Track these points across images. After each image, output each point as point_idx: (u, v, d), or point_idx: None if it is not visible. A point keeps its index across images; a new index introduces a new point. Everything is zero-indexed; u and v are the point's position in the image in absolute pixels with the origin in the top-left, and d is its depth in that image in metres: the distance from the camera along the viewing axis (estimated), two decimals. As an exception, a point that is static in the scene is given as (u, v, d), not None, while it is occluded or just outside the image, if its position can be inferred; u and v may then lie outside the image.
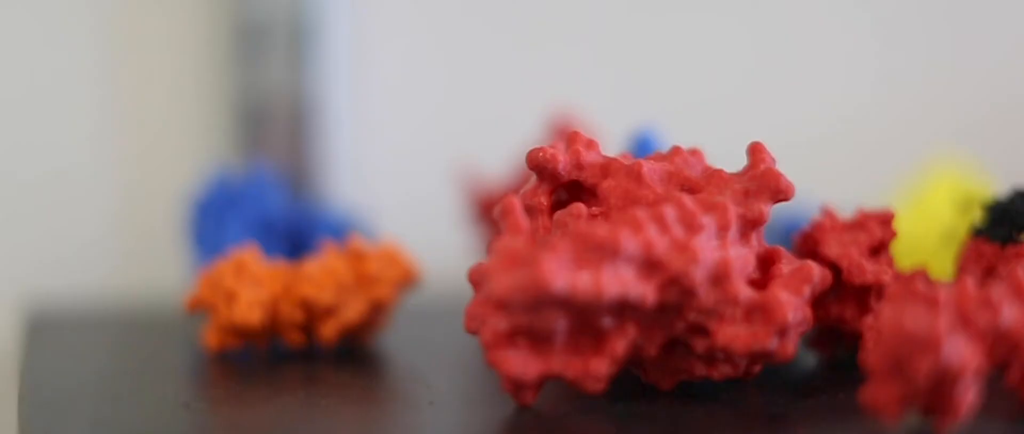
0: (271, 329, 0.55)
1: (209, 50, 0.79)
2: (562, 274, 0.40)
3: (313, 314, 0.55)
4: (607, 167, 0.46)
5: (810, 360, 0.53)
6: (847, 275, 0.49)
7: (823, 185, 0.65)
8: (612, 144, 0.62)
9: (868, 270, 0.49)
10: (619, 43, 0.88)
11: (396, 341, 0.59)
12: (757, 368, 0.46)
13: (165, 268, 0.78)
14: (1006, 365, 0.41)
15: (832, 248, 0.50)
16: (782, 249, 0.47)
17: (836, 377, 0.50)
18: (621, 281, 0.41)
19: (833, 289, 0.50)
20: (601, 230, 0.41)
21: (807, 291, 0.44)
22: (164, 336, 0.63)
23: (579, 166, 0.47)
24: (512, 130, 0.72)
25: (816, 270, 0.45)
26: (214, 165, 0.75)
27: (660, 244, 0.42)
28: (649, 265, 0.42)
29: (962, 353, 0.38)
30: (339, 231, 0.66)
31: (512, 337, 0.43)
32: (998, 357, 0.41)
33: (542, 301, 0.41)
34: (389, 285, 0.56)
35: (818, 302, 0.50)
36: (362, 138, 0.82)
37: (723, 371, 0.45)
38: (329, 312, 0.55)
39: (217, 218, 0.65)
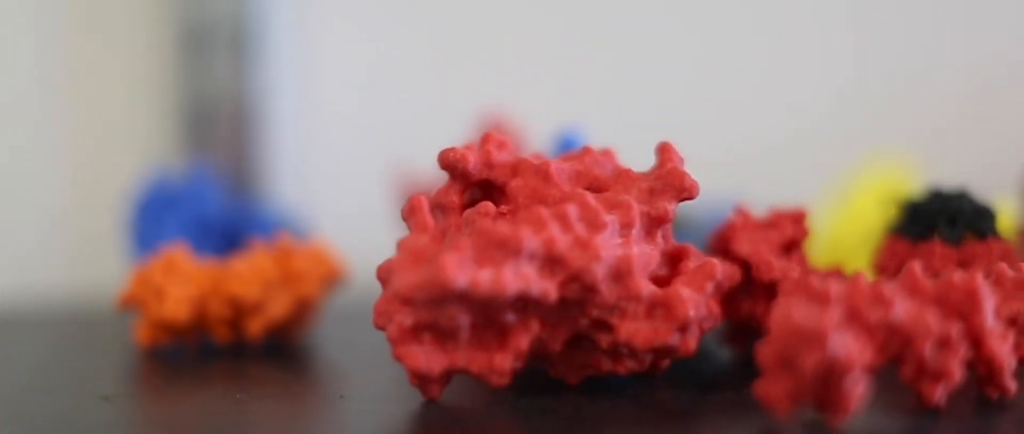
0: (200, 325, 0.55)
1: (154, 52, 0.79)
2: (463, 271, 0.40)
3: (240, 311, 0.55)
4: (517, 166, 0.46)
5: (722, 356, 0.53)
6: (756, 272, 0.49)
7: (768, 185, 0.65)
8: (541, 144, 0.62)
9: (777, 267, 0.49)
10: (558, 48, 0.88)
11: (324, 338, 0.59)
12: (665, 363, 0.46)
13: (108, 266, 0.78)
14: (900, 360, 0.41)
15: (743, 246, 0.50)
16: (691, 247, 0.47)
17: (745, 373, 0.50)
18: (523, 278, 0.41)
19: (744, 286, 0.50)
20: (503, 228, 0.41)
21: (710, 287, 0.44)
22: (100, 333, 0.63)
23: (490, 165, 0.46)
24: (451, 131, 0.72)
25: (718, 267, 0.45)
26: (157, 165, 0.74)
27: (562, 241, 0.42)
28: (551, 262, 0.42)
29: (848, 348, 0.38)
30: (275, 230, 0.66)
31: (417, 333, 0.42)
32: (891, 352, 0.41)
33: (444, 297, 0.41)
34: (315, 283, 0.56)
35: (729, 299, 0.50)
36: (304, 139, 0.82)
37: (628, 366, 0.45)
38: (256, 308, 0.55)
39: (155, 217, 0.65)
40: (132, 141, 0.80)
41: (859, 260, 0.60)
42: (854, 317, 0.40)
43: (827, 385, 0.38)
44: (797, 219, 0.51)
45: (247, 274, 0.55)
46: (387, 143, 0.81)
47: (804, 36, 0.94)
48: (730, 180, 0.78)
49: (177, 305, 0.54)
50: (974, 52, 0.95)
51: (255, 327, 0.55)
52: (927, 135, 0.92)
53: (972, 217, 0.52)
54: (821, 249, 0.70)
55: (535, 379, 0.47)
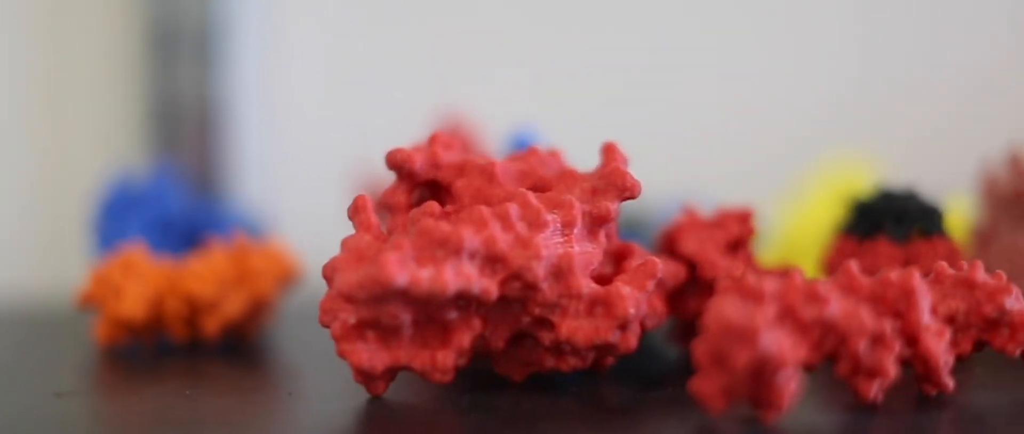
0: (157, 324, 0.55)
1: (120, 54, 0.79)
2: (404, 269, 0.40)
3: (196, 309, 0.55)
4: (463, 167, 0.46)
5: (669, 354, 0.53)
6: (701, 271, 0.49)
7: (728, 184, 0.65)
8: (498, 144, 0.62)
9: (721, 266, 0.49)
10: (518, 49, 0.88)
11: (280, 336, 0.59)
12: (609, 361, 0.46)
13: (73, 265, 0.78)
14: (836, 357, 0.41)
15: (689, 245, 0.50)
16: (635, 245, 0.47)
17: (690, 371, 0.49)
18: (463, 276, 0.41)
19: (690, 285, 0.50)
20: (444, 227, 0.41)
21: (650, 285, 0.44)
22: (61, 331, 0.63)
23: (436, 165, 0.46)
24: (412, 131, 0.72)
25: (659, 265, 0.44)
26: (123, 165, 0.74)
27: (503, 240, 0.42)
28: (491, 260, 0.42)
29: (780, 345, 0.38)
30: (246, 229, 0.66)
31: (361, 330, 0.42)
32: (827, 349, 0.41)
33: (385, 295, 0.41)
34: (270, 282, 0.56)
35: (676, 297, 0.50)
36: (269, 139, 0.82)
37: (571, 363, 0.45)
38: (212, 307, 0.55)
39: (119, 217, 0.65)
40: (98, 141, 0.80)
41: (813, 259, 0.60)
42: (788, 315, 0.40)
43: (760, 382, 0.38)
44: (743, 218, 0.51)
45: (203, 273, 0.55)
46: (349, 143, 0.81)
47: (763, 38, 0.94)
48: (690, 179, 0.78)
49: (134, 304, 0.54)
50: (934, 53, 0.96)
51: (211, 325, 0.55)
52: (887, 134, 0.92)
53: (918, 216, 0.52)
54: (776, 248, 0.70)
55: (480, 376, 0.47)
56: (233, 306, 0.54)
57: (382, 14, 0.85)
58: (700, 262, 0.49)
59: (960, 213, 0.70)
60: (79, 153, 0.80)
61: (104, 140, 0.80)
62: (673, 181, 0.77)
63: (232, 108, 0.77)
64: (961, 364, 0.47)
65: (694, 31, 0.92)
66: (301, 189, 0.82)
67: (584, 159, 0.48)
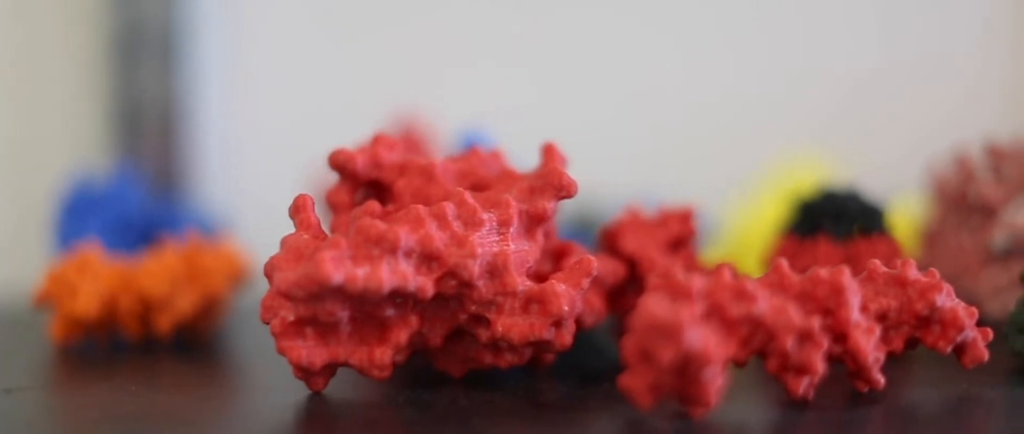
0: (111, 321, 0.55)
1: (85, 56, 0.79)
2: (340, 267, 0.40)
3: (149, 307, 0.55)
4: (404, 167, 0.46)
5: (613, 351, 0.53)
6: (641, 268, 0.49)
7: (685, 183, 0.65)
8: (452, 143, 0.62)
9: (660, 264, 0.49)
10: (474, 51, 0.89)
11: (233, 334, 0.59)
12: (549, 357, 0.46)
13: (36, 264, 0.78)
14: (765, 354, 0.41)
15: (629, 243, 0.50)
16: (575, 244, 0.47)
17: (629, 367, 0.50)
18: (399, 274, 0.41)
19: (631, 282, 0.50)
20: (380, 226, 0.41)
21: (586, 283, 0.44)
22: (18, 329, 0.63)
23: (378, 166, 0.47)
24: (370, 131, 0.72)
25: (594, 263, 0.45)
26: (86, 166, 0.74)
27: (439, 239, 0.42)
28: (427, 259, 0.42)
29: (705, 341, 0.38)
30: (200, 228, 0.66)
31: (300, 327, 0.43)
32: (755, 346, 0.41)
33: (322, 293, 0.41)
34: (222, 279, 0.56)
35: (617, 295, 0.50)
36: (229, 140, 0.82)
37: (509, 359, 0.45)
38: (164, 305, 0.55)
39: (79, 217, 0.65)
40: (62, 142, 0.80)
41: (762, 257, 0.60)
42: (716, 312, 0.40)
43: (686, 378, 0.38)
44: (684, 218, 0.51)
45: (156, 272, 0.55)
46: (307, 144, 0.81)
47: (719, 40, 0.94)
48: (648, 178, 0.78)
49: (88, 302, 0.54)
50: (888, 54, 0.96)
51: (164, 323, 0.55)
52: (844, 134, 0.92)
53: (859, 215, 0.52)
54: (727, 246, 0.71)
55: (421, 373, 0.47)
56: (185, 304, 0.55)
57: (340, 18, 0.86)
58: (640, 260, 0.49)
59: (911, 212, 0.70)
60: (43, 154, 0.80)
61: (68, 141, 0.80)
62: (632, 180, 0.77)
63: (194, 110, 0.77)
64: (898, 361, 0.47)
65: (650, 33, 0.92)
66: (261, 188, 0.82)
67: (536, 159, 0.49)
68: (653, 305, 0.38)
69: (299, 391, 0.45)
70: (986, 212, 0.58)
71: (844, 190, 0.54)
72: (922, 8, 0.95)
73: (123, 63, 0.76)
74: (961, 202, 0.60)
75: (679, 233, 0.50)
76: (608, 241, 0.51)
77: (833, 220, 0.52)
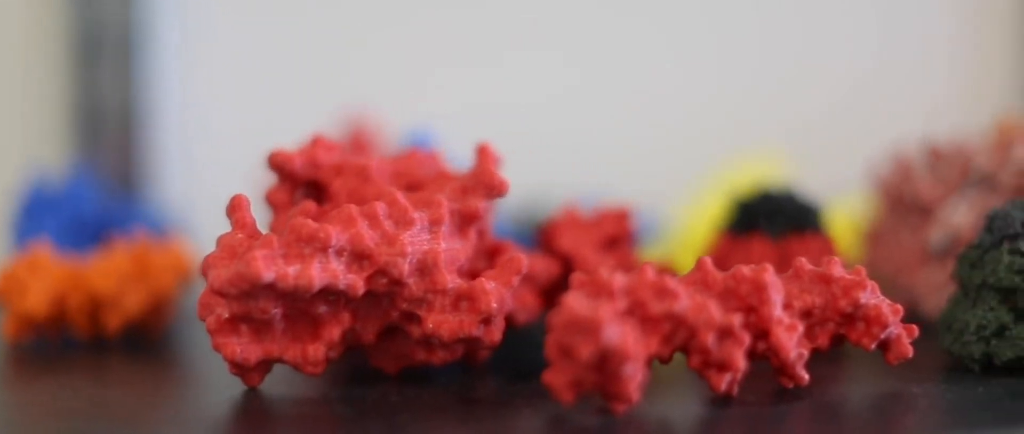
0: (61, 320, 0.56)
1: (44, 58, 0.80)
2: (271, 266, 0.41)
3: (99, 305, 0.55)
4: (341, 167, 0.47)
5: (548, 347, 0.53)
6: (576, 266, 0.49)
7: (641, 184, 0.66)
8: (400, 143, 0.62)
9: (595, 262, 0.49)
10: (428, 53, 0.89)
11: (181, 332, 0.59)
12: (483, 354, 0.47)
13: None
14: (687, 350, 0.41)
15: (565, 241, 0.50)
16: (510, 243, 0.48)
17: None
18: (330, 272, 0.42)
19: (566, 280, 0.50)
20: (311, 225, 0.41)
21: (515, 281, 0.45)
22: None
23: (315, 166, 0.47)
24: (323, 130, 0.73)
25: (524, 261, 0.45)
26: (44, 166, 0.75)
27: (369, 237, 0.42)
28: (358, 257, 0.42)
29: (623, 337, 0.38)
30: (150, 228, 0.66)
31: (234, 324, 0.43)
32: (677, 343, 0.41)
33: (254, 291, 0.41)
34: (170, 278, 0.56)
35: (551, 292, 0.50)
36: (189, 140, 0.82)
37: (441, 356, 0.45)
38: (113, 303, 0.55)
39: (35, 217, 0.65)
40: (21, 143, 0.81)
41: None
42: (638, 309, 0.40)
43: (605, 374, 0.39)
44: (620, 217, 0.51)
45: (105, 270, 0.55)
46: (266, 144, 0.82)
47: (670, 41, 0.94)
48: (601, 178, 0.79)
49: (38, 300, 0.54)
50: (848, 56, 0.96)
51: (113, 321, 0.55)
52: (799, 135, 0.92)
53: (793, 214, 0.53)
54: (671, 244, 0.71)
55: (359, 370, 0.48)
56: (133, 302, 0.55)
57: (295, 21, 0.86)
58: (574, 258, 0.49)
59: (856, 210, 0.71)
60: (2, 154, 0.81)
61: (27, 142, 0.81)
62: (589, 181, 0.78)
63: (152, 111, 0.78)
64: (833, 358, 0.48)
65: (602, 35, 0.92)
66: (218, 188, 0.82)
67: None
68: (572, 302, 0.38)
69: (238, 387, 0.45)
70: (923, 211, 0.59)
71: (780, 190, 0.54)
72: (875, 11, 0.95)
73: (82, 65, 0.76)
74: (901, 201, 0.61)
75: (615, 232, 0.51)
76: (544, 239, 0.51)
77: (768, 219, 0.52)
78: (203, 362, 0.53)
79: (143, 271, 0.56)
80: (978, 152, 0.58)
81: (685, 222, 0.73)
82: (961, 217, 0.56)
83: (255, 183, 0.77)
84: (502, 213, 0.71)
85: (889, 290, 0.60)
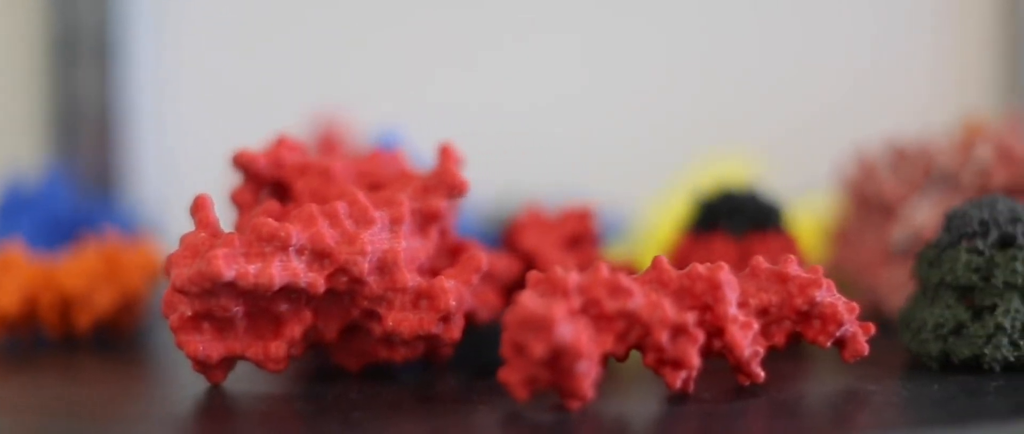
0: (32, 318, 0.56)
1: (21, 59, 0.80)
2: (232, 264, 0.41)
3: (69, 304, 0.56)
4: (304, 167, 0.47)
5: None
6: (538, 265, 0.50)
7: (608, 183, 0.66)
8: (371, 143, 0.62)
9: (557, 260, 0.50)
10: (399, 53, 0.89)
11: (152, 330, 0.59)
12: (445, 351, 0.47)
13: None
14: (642, 348, 0.42)
15: (528, 240, 0.51)
16: (473, 242, 0.48)
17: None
18: (290, 270, 0.42)
19: (531, 278, 0.50)
20: (272, 224, 0.42)
21: (475, 279, 0.45)
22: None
23: (279, 166, 0.47)
24: (296, 131, 0.73)
25: (484, 260, 0.45)
26: (21, 166, 0.75)
27: (330, 236, 0.43)
28: (319, 256, 0.43)
29: (576, 335, 0.38)
30: (122, 228, 0.67)
31: (197, 322, 0.43)
32: (632, 340, 0.41)
33: (216, 289, 0.42)
34: (140, 277, 0.56)
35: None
36: (166, 140, 0.83)
37: (403, 353, 0.46)
38: (83, 302, 0.55)
39: (10, 218, 0.66)
40: (1, 144, 0.81)
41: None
42: (592, 307, 0.41)
43: (559, 371, 0.39)
44: (582, 216, 0.52)
45: (75, 269, 0.56)
46: (239, 143, 0.82)
47: (644, 41, 0.94)
48: (574, 178, 0.79)
49: (8, 298, 0.55)
50: (810, 56, 0.97)
51: (83, 320, 0.55)
52: (773, 134, 0.92)
53: (754, 213, 0.53)
54: (637, 243, 0.72)
55: (324, 367, 0.48)
56: (103, 301, 0.55)
57: (271, 23, 0.86)
58: (537, 257, 0.50)
59: (824, 209, 0.71)
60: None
61: (4, 142, 0.81)
62: (562, 180, 0.78)
63: (129, 112, 0.78)
64: (791, 355, 0.48)
65: (579, 36, 0.93)
66: (195, 188, 0.82)
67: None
68: (526, 300, 0.39)
69: (202, 385, 0.46)
70: (887, 211, 0.59)
71: (742, 190, 0.54)
72: (842, 9, 0.96)
73: (59, 66, 0.77)
74: (865, 201, 0.61)
75: (577, 231, 0.51)
76: (508, 239, 0.51)
77: (729, 217, 0.53)
78: (171, 360, 0.53)
79: (113, 270, 0.56)
80: (941, 152, 0.58)
81: (652, 221, 0.73)
82: (923, 216, 0.56)
83: (229, 183, 0.77)
84: (477, 212, 0.72)
85: (853, 289, 0.61)
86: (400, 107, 0.80)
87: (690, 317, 0.41)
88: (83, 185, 0.73)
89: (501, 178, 0.79)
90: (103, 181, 0.77)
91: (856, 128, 0.79)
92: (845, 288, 0.60)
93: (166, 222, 0.70)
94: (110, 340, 0.57)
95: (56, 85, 0.77)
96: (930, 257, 0.48)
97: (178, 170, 0.83)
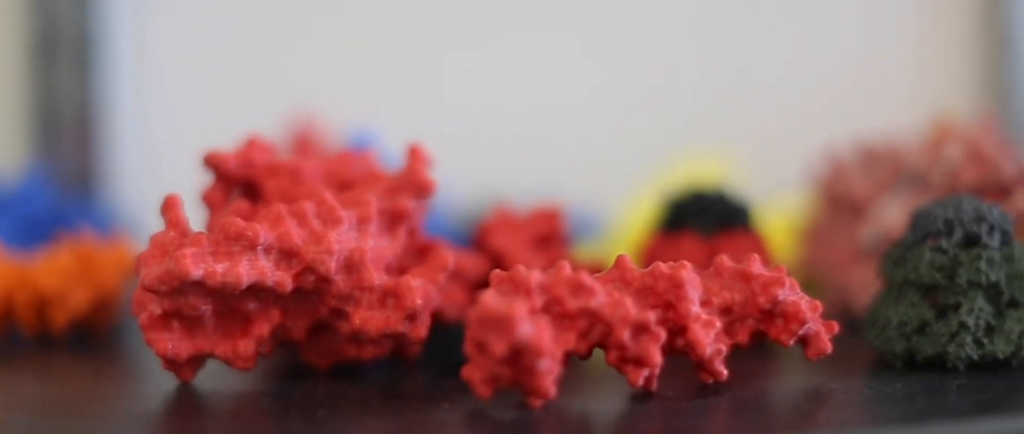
0: (8, 317, 0.56)
1: (1, 61, 0.80)
2: (200, 263, 0.41)
3: (45, 303, 0.56)
4: (274, 167, 0.47)
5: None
6: (506, 264, 0.50)
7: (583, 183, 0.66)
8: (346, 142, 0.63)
9: (525, 260, 0.50)
10: (373, 54, 0.90)
11: (128, 330, 0.60)
12: (414, 349, 0.47)
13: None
14: (604, 346, 0.42)
15: (497, 240, 0.51)
16: (442, 241, 0.49)
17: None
18: (258, 269, 0.42)
19: (495, 277, 0.51)
20: (240, 223, 0.42)
21: (442, 278, 0.45)
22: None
23: (249, 166, 0.48)
24: (273, 131, 0.73)
25: (450, 259, 0.46)
26: (3, 168, 0.76)
27: (297, 235, 0.43)
28: (286, 255, 0.43)
29: (537, 333, 0.39)
30: (100, 228, 0.67)
31: (167, 320, 0.44)
32: (595, 339, 0.42)
33: (184, 288, 0.42)
34: (114, 276, 0.57)
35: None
36: (145, 140, 0.83)
37: (371, 351, 0.46)
38: (58, 301, 0.56)
39: (-12, 218, 0.66)
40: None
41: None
42: (554, 305, 0.41)
43: (520, 369, 0.39)
44: (551, 216, 0.52)
45: (50, 269, 0.56)
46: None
47: (621, 40, 0.95)
48: (550, 179, 0.79)
49: (-18, 298, 0.55)
50: (794, 55, 0.97)
51: (59, 319, 0.56)
52: (741, 134, 0.93)
53: (722, 212, 0.53)
54: (609, 243, 0.72)
55: (294, 365, 0.48)
56: (78, 300, 0.56)
57: (250, 23, 0.87)
58: (506, 257, 0.50)
59: (795, 209, 0.71)
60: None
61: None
62: (538, 180, 0.79)
63: (109, 112, 0.79)
64: (760, 354, 0.48)
65: (552, 33, 0.93)
66: (174, 187, 0.83)
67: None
68: (488, 299, 0.39)
69: (172, 383, 0.46)
70: (856, 210, 0.60)
71: (711, 189, 0.55)
72: (821, 12, 0.96)
73: (39, 67, 0.77)
74: (836, 200, 0.61)
75: (546, 230, 0.51)
76: (477, 238, 0.52)
77: (698, 216, 0.53)
78: (143, 359, 0.53)
79: (89, 270, 0.57)
80: (910, 152, 0.58)
81: (625, 220, 0.74)
82: (892, 216, 0.56)
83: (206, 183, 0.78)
84: (454, 212, 0.72)
85: (823, 288, 0.61)
86: (378, 108, 0.81)
87: (652, 315, 0.41)
88: (63, 185, 0.73)
89: (479, 178, 0.79)
90: (83, 181, 0.77)
91: (835, 129, 0.80)
92: (815, 287, 0.60)
93: (145, 222, 0.70)
94: (86, 339, 0.57)
95: (36, 86, 0.78)
96: (895, 256, 0.49)
97: (158, 170, 0.83)
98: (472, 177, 0.79)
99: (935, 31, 0.98)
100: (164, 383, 0.46)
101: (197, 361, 0.45)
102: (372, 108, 0.80)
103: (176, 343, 0.44)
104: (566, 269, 0.42)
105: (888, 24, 0.97)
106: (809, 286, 0.63)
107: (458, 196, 0.75)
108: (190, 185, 0.82)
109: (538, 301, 0.40)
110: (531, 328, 0.39)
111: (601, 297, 0.41)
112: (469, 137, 0.74)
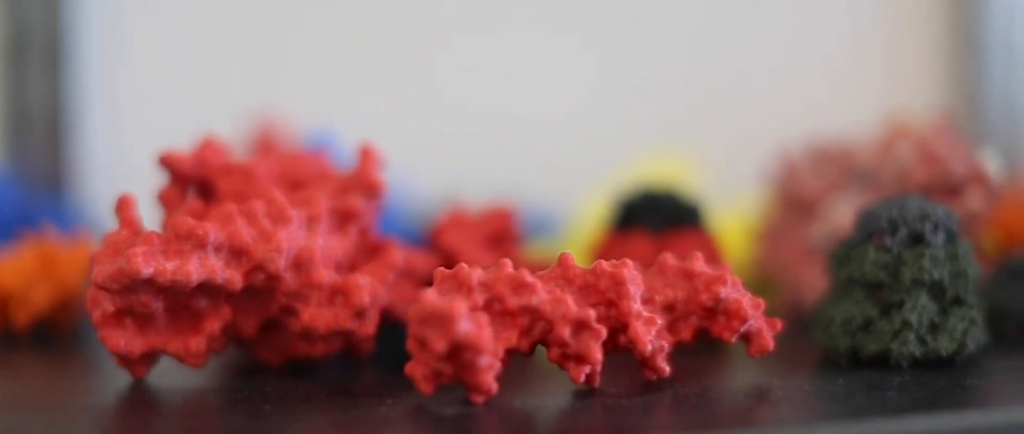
0: (-30, 317, 0.57)
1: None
2: (150, 261, 0.42)
3: (7, 301, 0.57)
4: (228, 168, 0.48)
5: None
6: (459, 263, 0.51)
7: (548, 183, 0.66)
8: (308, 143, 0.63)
9: (476, 259, 0.51)
10: (349, 56, 0.90)
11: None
12: (367, 346, 0.48)
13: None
14: (546, 343, 0.42)
15: (449, 238, 0.52)
16: (394, 241, 0.49)
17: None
18: (208, 267, 0.43)
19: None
20: (190, 222, 0.43)
21: (391, 276, 0.46)
22: None
23: (204, 166, 0.48)
24: (240, 133, 0.74)
25: (400, 257, 0.46)
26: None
27: (247, 234, 0.44)
28: (236, 253, 0.44)
29: (477, 330, 0.39)
30: (66, 227, 0.68)
31: (120, 317, 0.44)
32: (536, 336, 0.42)
33: (135, 285, 0.43)
34: (76, 274, 0.57)
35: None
36: (115, 141, 0.83)
37: (322, 348, 0.47)
38: (20, 299, 0.56)
39: (-45, 218, 0.67)
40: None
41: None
42: (495, 302, 0.42)
43: (461, 365, 0.40)
44: (504, 216, 0.53)
45: (10, 267, 0.57)
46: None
47: (587, 41, 0.95)
48: (516, 179, 0.80)
49: (-56, 296, 0.56)
50: (757, 56, 0.97)
51: (21, 317, 0.56)
52: (703, 135, 0.93)
53: (672, 211, 0.54)
54: (565, 241, 0.73)
55: (245, 363, 0.49)
56: (40, 298, 0.56)
57: (220, 24, 0.87)
58: (458, 255, 0.51)
59: (750, 209, 0.72)
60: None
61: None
62: (497, 180, 0.79)
63: (80, 113, 0.79)
64: (709, 351, 0.49)
65: (514, 34, 0.93)
66: (142, 187, 0.83)
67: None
68: (428, 296, 0.40)
69: (126, 380, 0.47)
70: (807, 209, 0.60)
71: (661, 188, 0.55)
72: (786, 13, 0.97)
73: (9, 68, 0.77)
74: (788, 199, 0.62)
75: (498, 230, 0.52)
76: (430, 237, 0.52)
77: (648, 215, 0.54)
78: (100, 356, 0.54)
79: (50, 269, 0.57)
80: (861, 151, 0.59)
81: (581, 219, 0.75)
82: (842, 215, 0.57)
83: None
84: (412, 211, 0.73)
85: (776, 286, 0.62)
86: (344, 109, 0.81)
87: (593, 313, 0.42)
88: (32, 186, 0.74)
89: (443, 178, 0.80)
90: (52, 181, 0.78)
91: (803, 130, 0.80)
92: (768, 285, 0.61)
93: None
94: (48, 336, 0.58)
95: (6, 87, 0.78)
96: (841, 255, 0.49)
97: (127, 171, 0.84)
98: (436, 177, 0.79)
99: (902, 32, 0.98)
100: (119, 380, 0.47)
101: (150, 358, 0.46)
102: (337, 108, 0.81)
103: (129, 340, 0.45)
104: (507, 267, 0.42)
105: (854, 26, 0.98)
106: (763, 285, 0.63)
107: (418, 195, 0.75)
108: (158, 185, 0.84)
109: (479, 298, 0.41)
110: (470, 325, 0.39)
111: (542, 295, 0.42)
112: (433, 137, 0.74)
